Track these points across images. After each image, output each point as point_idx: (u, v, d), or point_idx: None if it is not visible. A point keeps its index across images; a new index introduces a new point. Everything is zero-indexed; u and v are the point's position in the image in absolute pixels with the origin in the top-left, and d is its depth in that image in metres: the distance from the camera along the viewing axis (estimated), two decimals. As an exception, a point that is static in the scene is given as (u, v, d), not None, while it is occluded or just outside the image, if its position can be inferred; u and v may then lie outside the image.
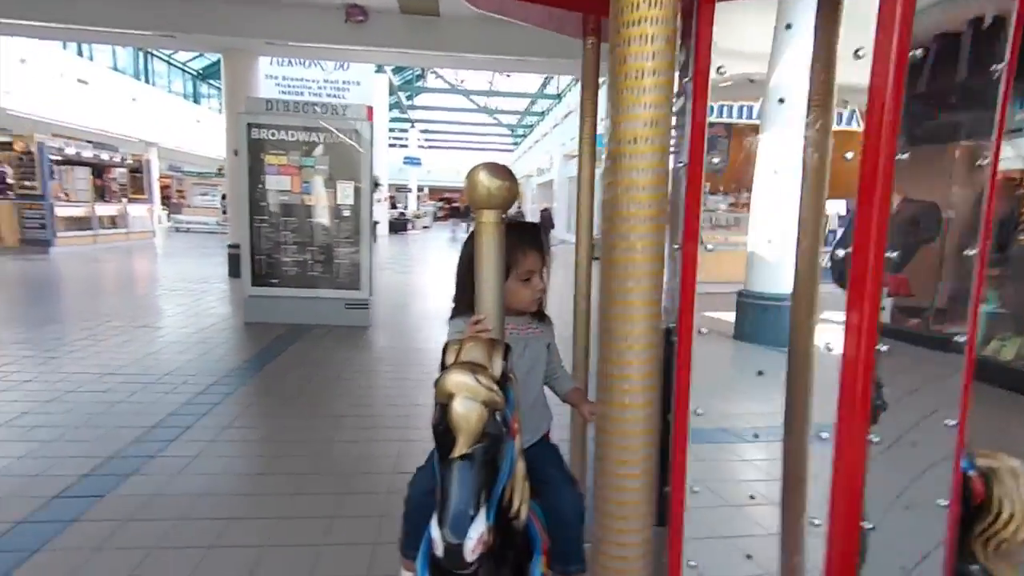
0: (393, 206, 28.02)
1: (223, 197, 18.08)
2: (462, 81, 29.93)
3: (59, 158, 13.01)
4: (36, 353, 4.56)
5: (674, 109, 0.83)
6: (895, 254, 0.89)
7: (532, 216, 21.99)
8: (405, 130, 35.75)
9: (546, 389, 1.53)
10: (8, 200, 11.99)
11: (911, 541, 1.05)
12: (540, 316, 1.48)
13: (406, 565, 1.43)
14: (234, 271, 8.35)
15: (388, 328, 6.22)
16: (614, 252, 0.79)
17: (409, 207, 32.73)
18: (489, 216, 1.03)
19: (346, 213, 6.06)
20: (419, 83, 29.29)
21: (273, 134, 5.90)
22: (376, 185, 20.70)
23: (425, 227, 30.98)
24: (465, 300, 1.27)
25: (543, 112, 30.16)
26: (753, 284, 5.78)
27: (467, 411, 0.85)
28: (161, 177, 23.15)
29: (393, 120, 30.62)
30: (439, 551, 0.84)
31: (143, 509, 2.35)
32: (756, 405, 3.24)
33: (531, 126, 34.90)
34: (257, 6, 8.24)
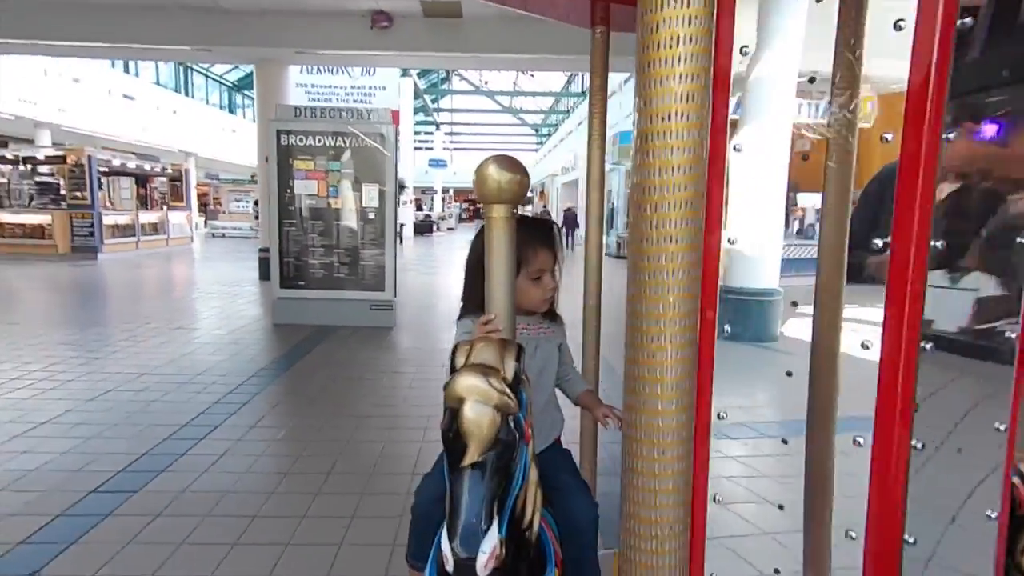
0: (419, 208, 28.29)
1: (255, 203, 18.64)
2: (486, 83, 30.07)
3: (106, 169, 13.58)
4: (80, 354, 4.78)
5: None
6: (940, 243, 0.81)
7: (557, 215, 21.90)
8: (430, 133, 36.08)
9: (557, 391, 1.50)
10: (61, 210, 12.59)
11: (957, 556, 0.96)
12: (551, 316, 1.43)
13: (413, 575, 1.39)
14: (265, 274, 8.58)
15: (412, 329, 6.29)
16: (645, 242, 0.72)
17: (434, 209, 33.03)
18: (499, 211, 0.97)
19: (371, 216, 6.16)
20: (444, 86, 29.53)
21: (301, 140, 6.05)
22: (401, 188, 20.96)
23: (450, 228, 31.20)
24: (474, 299, 1.23)
25: (567, 110, 30.03)
26: (731, 280, 5.49)
27: (479, 416, 0.80)
28: (199, 185, 23.93)
29: (419, 123, 30.96)
30: (449, 566, 0.80)
31: (172, 505, 2.44)
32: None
33: (555, 125, 34.80)
34: (287, 17, 8.47)
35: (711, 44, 0.72)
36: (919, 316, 0.82)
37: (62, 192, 12.74)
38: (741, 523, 2.33)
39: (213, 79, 26.11)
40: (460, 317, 1.34)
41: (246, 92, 27.18)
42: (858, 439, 0.96)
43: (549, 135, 36.80)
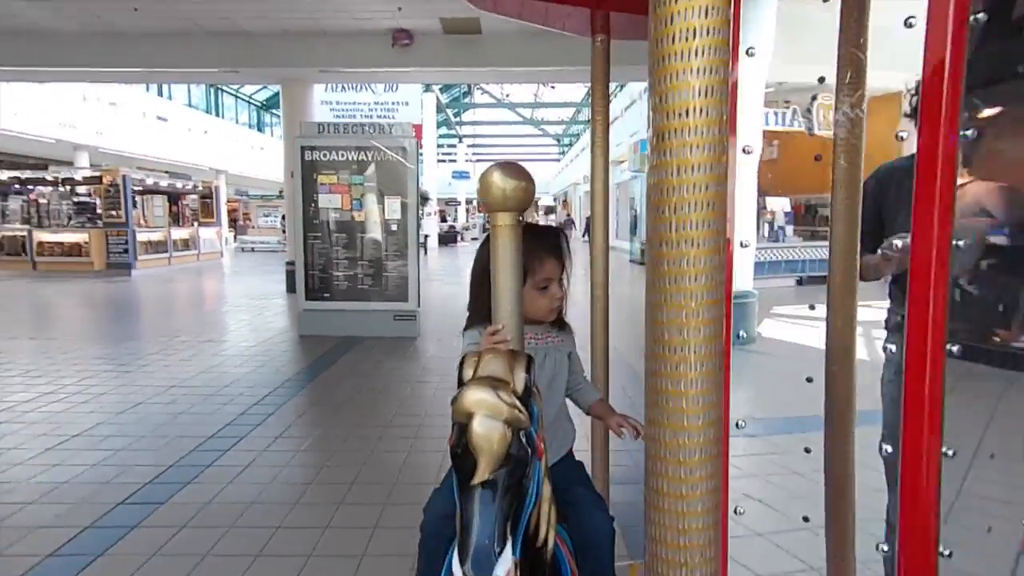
0: (443, 219, 28.57)
1: (283, 217, 19.04)
2: (508, 95, 30.32)
3: (140, 188, 14.05)
4: (113, 367, 4.89)
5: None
6: (962, 242, 0.78)
7: (580, 223, 21.88)
8: (453, 146, 36.49)
9: (568, 402, 1.46)
10: (97, 228, 13.04)
11: (994, 569, 0.92)
12: (560, 324, 1.40)
13: None
14: (291, 287, 8.72)
15: (436, 338, 6.30)
16: (665, 246, 0.68)
17: (459, 220, 33.31)
18: (505, 219, 0.95)
19: (394, 227, 6.22)
20: (466, 99, 29.89)
21: (324, 155, 6.15)
22: (425, 199, 21.20)
23: (474, 239, 31.39)
24: (481, 309, 1.20)
25: (588, 120, 30.07)
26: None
27: (488, 432, 0.77)
28: (229, 201, 24.57)
29: (442, 136, 31.35)
30: None
31: (198, 516, 2.46)
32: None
33: (577, 135, 34.88)
34: (310, 38, 8.70)
35: (729, 36, 0.68)
36: (943, 318, 0.78)
37: (98, 211, 13.21)
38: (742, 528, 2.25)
39: (242, 99, 26.87)
40: (467, 327, 1.32)
41: (273, 111, 27.88)
42: (886, 448, 0.90)
43: (571, 145, 36.89)
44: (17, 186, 13.68)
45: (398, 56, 8.87)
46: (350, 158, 6.15)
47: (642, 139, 15.16)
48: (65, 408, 3.83)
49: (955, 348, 0.77)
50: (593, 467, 1.67)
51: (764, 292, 6.02)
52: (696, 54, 0.65)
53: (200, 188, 16.86)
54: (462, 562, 0.75)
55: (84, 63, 8.94)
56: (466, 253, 21.55)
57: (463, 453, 0.78)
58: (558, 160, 41.61)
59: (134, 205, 13.38)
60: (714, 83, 0.66)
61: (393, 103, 14.14)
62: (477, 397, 0.79)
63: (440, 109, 25.01)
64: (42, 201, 13.51)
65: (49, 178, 13.70)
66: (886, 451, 0.84)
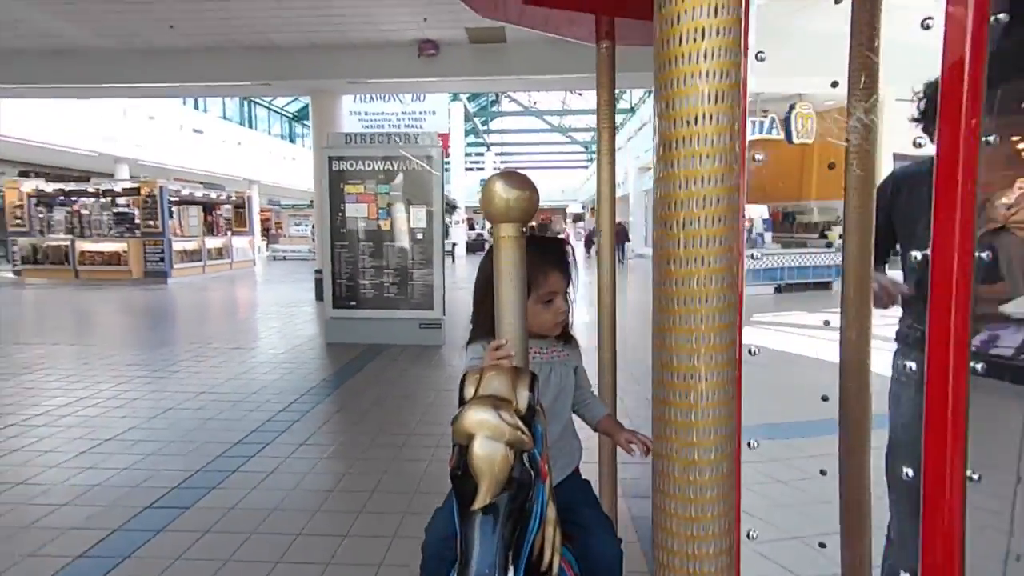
0: (471, 227, 28.76)
1: (313, 226, 19.40)
2: (535, 103, 30.42)
3: (176, 199, 14.50)
4: (147, 373, 5.03)
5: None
6: (985, 254, 0.75)
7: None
8: (481, 154, 36.75)
9: (575, 417, 1.41)
10: (135, 238, 13.50)
11: None
12: (566, 338, 1.36)
13: None
14: (320, 295, 8.86)
15: (461, 347, 6.29)
16: (673, 264, 0.63)
17: (486, 228, 33.46)
18: (508, 230, 0.91)
19: (419, 236, 6.26)
20: (494, 108, 30.09)
21: (351, 165, 6.25)
22: (452, 208, 21.36)
23: (503, 247, 31.46)
24: (484, 323, 1.16)
25: (617, 126, 30.00)
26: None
27: (489, 454, 0.74)
28: (262, 210, 25.18)
29: (469, 145, 31.61)
30: None
31: (221, 522, 2.49)
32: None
33: (606, 142, 34.74)
34: (338, 51, 8.89)
35: (741, 36, 0.63)
36: (966, 334, 0.73)
37: (136, 221, 13.67)
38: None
39: (275, 111, 27.61)
40: (470, 341, 1.28)
41: (304, 122, 28.57)
42: (907, 472, 0.85)
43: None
44: (61, 198, 14.25)
45: (424, 66, 8.99)
46: (376, 168, 6.23)
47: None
48: (100, 412, 3.94)
49: (979, 366, 0.73)
50: (600, 486, 1.62)
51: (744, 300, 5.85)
52: (705, 56, 0.61)
53: (233, 198, 17.31)
54: None
55: (124, 79, 9.31)
56: (492, 261, 21.65)
57: (463, 476, 0.75)
58: (586, 167, 41.50)
59: (170, 215, 13.80)
60: (725, 88, 0.61)
61: (420, 113, 14.33)
62: (478, 418, 0.76)
63: (468, 118, 25.24)
64: (84, 212, 14.05)
65: (91, 190, 14.23)
66: (907, 475, 0.79)
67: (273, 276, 15.61)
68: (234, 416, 3.88)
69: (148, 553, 2.25)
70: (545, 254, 1.23)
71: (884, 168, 0.99)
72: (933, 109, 0.80)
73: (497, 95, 29.22)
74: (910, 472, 0.81)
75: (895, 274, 1.35)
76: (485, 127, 33.90)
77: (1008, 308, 0.92)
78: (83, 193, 14.23)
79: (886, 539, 1.38)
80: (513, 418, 0.76)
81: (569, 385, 1.34)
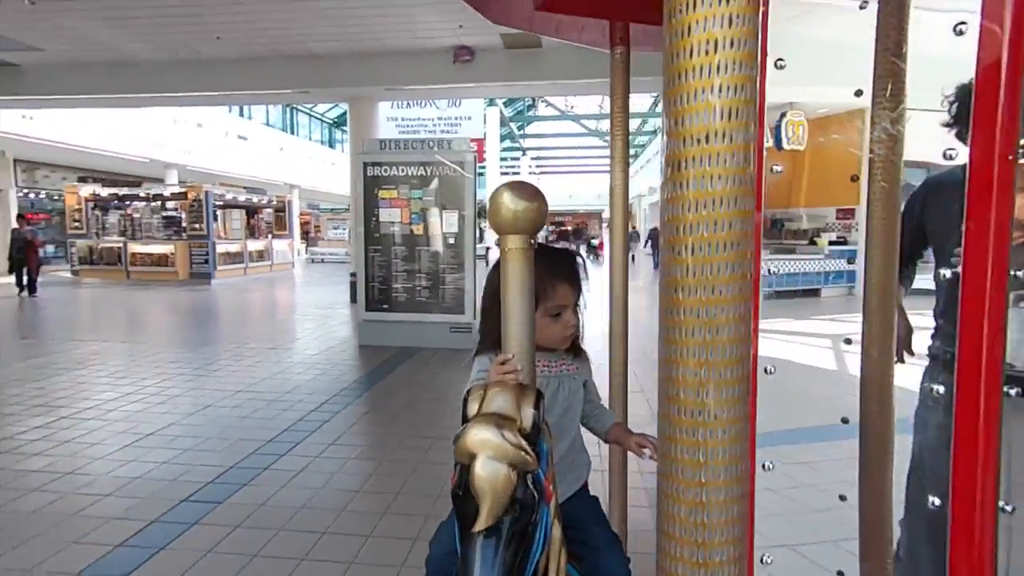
0: (506, 232, 28.75)
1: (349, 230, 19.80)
2: (572, 107, 30.33)
3: (220, 203, 15.04)
4: (188, 371, 5.22)
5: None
6: (1022, 271, 0.71)
7: (644, 235, 21.54)
8: (517, 159, 36.83)
9: (584, 431, 1.37)
10: (182, 240, 14.07)
11: None
12: (576, 351, 1.31)
13: None
14: (354, 297, 9.04)
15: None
16: (681, 292, 0.57)
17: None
18: (515, 242, 0.88)
19: (451, 240, 6.32)
20: (530, 112, 30.13)
21: (385, 170, 6.36)
22: (486, 212, 21.48)
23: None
24: (492, 334, 1.12)
25: (654, 130, 29.62)
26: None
27: (491, 475, 0.71)
28: (301, 214, 25.84)
29: (505, 150, 31.72)
30: None
31: (251, 518, 2.56)
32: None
33: (643, 145, 34.36)
34: (376, 58, 9.08)
35: (757, 48, 0.59)
36: (1001, 356, 0.69)
37: (183, 224, 14.24)
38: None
39: (315, 117, 28.34)
40: (477, 352, 1.25)
41: (344, 128, 29.21)
42: (933, 501, 0.80)
43: (636, 156, 36.45)
44: (116, 202, 14.97)
45: (460, 72, 9.09)
46: (410, 173, 6.33)
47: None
48: (143, 408, 4.11)
49: (1014, 391, 0.69)
50: (610, 503, 1.57)
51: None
52: (718, 70, 0.56)
53: (275, 202, 17.84)
54: None
55: (174, 89, 9.75)
56: (525, 265, 21.65)
57: (464, 496, 0.73)
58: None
59: (214, 219, 14.32)
60: (739, 104, 0.57)
61: (456, 118, 14.49)
62: (480, 437, 0.73)
63: (504, 123, 25.35)
64: (135, 215, 14.72)
65: (142, 194, 14.91)
66: (933, 504, 0.75)
67: (311, 278, 15.99)
68: (268, 415, 3.99)
69: (182, 545, 2.33)
70: (554, 266, 1.19)
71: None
72: (966, 113, 0.76)
73: (533, 100, 29.28)
74: (936, 501, 0.77)
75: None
76: (521, 132, 33.99)
77: None
78: (135, 197, 14.92)
79: (895, 557, 1.33)
80: (517, 438, 0.74)
81: (578, 400, 1.30)
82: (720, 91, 0.56)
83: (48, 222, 16.99)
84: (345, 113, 25.77)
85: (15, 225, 11.77)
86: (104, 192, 15.01)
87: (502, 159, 30.42)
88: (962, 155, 0.75)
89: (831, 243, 10.84)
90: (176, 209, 14.53)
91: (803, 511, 2.46)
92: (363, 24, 7.88)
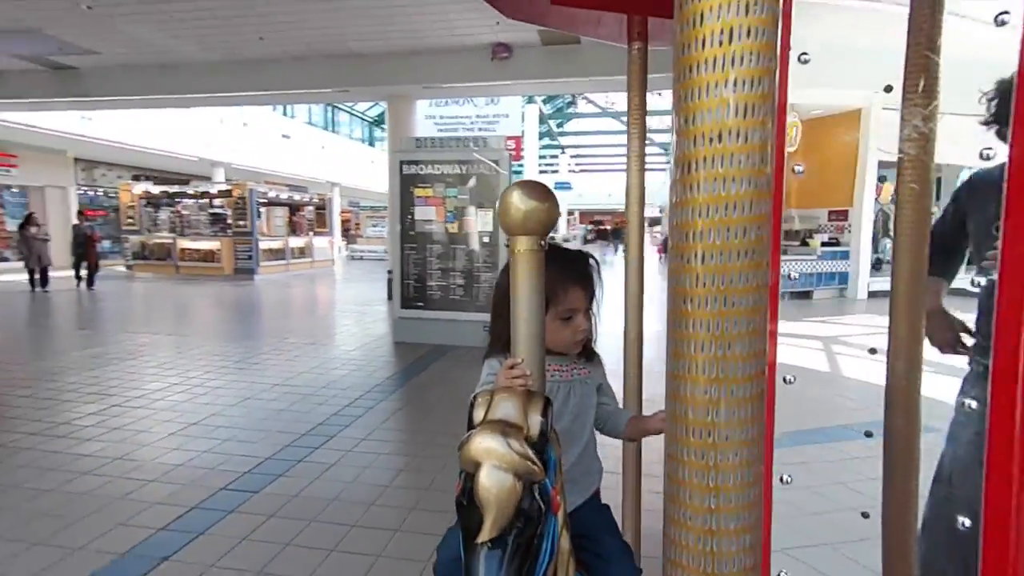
0: (543, 230, 28.71)
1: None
2: (612, 103, 29.99)
3: (264, 200, 15.50)
4: (230, 364, 5.41)
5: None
6: None
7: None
8: (555, 156, 36.68)
9: (599, 436, 1.31)
10: (227, 236, 14.57)
11: None
12: (588, 355, 1.27)
13: None
14: (391, 294, 9.19)
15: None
16: (689, 303, 0.53)
17: (559, 231, 33.40)
18: (524, 243, 0.84)
19: (486, 239, 6.35)
20: (569, 109, 29.95)
21: (421, 169, 6.43)
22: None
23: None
24: (502, 336, 1.08)
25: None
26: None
27: (496, 485, 0.69)
28: (342, 212, 26.39)
29: (544, 147, 31.64)
30: None
31: (285, 508, 2.64)
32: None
33: (679, 144, 33.76)
34: (414, 56, 9.18)
35: (776, 38, 0.53)
36: None
37: (228, 221, 14.74)
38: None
39: (356, 116, 28.88)
40: (487, 355, 1.20)
41: (383, 126, 29.69)
42: (964, 522, 0.76)
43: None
44: (166, 199, 15.62)
45: (497, 69, 9.11)
46: (445, 171, 6.38)
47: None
48: (187, 399, 4.28)
49: None
50: (623, 511, 1.53)
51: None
52: (733, 62, 0.51)
53: (316, 200, 18.28)
54: None
55: (220, 89, 10.10)
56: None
57: (469, 506, 0.71)
58: (663, 169, 40.50)
59: (258, 216, 14.77)
60: (756, 99, 0.52)
61: (494, 116, 14.50)
62: (485, 445, 0.71)
63: (543, 120, 25.28)
64: (184, 212, 15.32)
65: (190, 192, 15.50)
66: (963, 524, 0.71)
67: (350, 275, 16.32)
68: (304, 408, 4.10)
69: (219, 531, 2.42)
70: (565, 268, 1.15)
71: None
72: (1007, 109, 0.72)
73: (573, 97, 29.09)
74: (967, 522, 0.73)
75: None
76: (560, 129, 33.83)
77: None
78: (184, 195, 15.52)
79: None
80: (523, 446, 0.72)
81: (590, 405, 1.25)
82: (735, 85, 0.51)
83: (105, 218, 17.85)
84: (385, 112, 26.30)
85: (75, 221, 12.43)
86: (155, 190, 15.68)
87: (541, 157, 30.35)
88: (1000, 154, 0.71)
89: (823, 244, 10.57)
90: (222, 206, 15.05)
91: (800, 514, 2.37)
92: (402, 22, 7.98)
